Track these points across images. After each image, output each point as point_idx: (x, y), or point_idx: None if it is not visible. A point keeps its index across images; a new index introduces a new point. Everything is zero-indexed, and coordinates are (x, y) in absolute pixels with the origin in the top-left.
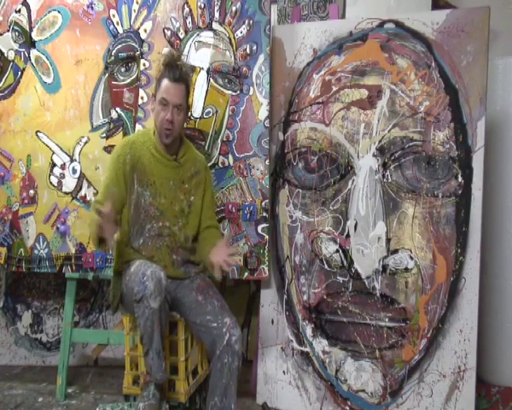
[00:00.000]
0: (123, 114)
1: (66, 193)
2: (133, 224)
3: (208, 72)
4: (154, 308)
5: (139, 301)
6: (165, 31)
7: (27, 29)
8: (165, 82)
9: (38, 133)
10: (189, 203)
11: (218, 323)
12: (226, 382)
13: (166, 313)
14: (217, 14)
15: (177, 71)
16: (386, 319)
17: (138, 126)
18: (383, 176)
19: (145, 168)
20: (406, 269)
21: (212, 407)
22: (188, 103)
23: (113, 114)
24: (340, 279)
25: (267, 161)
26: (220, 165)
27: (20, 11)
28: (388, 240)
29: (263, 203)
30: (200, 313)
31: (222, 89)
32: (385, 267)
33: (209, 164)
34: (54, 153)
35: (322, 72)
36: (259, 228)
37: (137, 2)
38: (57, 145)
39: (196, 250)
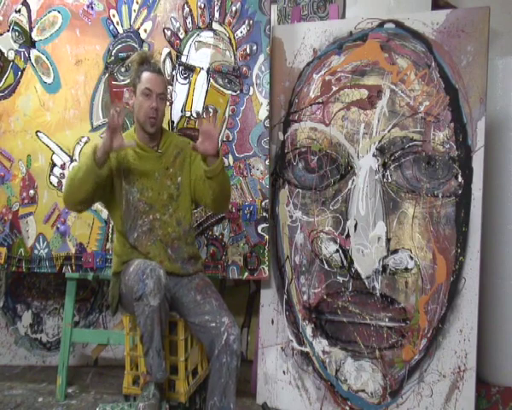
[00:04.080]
0: None
1: None
2: (126, 220)
3: (208, 72)
4: (153, 306)
5: (139, 299)
6: (165, 31)
7: (27, 29)
8: (147, 74)
9: (38, 133)
10: (177, 186)
11: (216, 323)
12: (225, 381)
13: (166, 311)
14: (217, 14)
15: (156, 65)
16: (386, 319)
17: None
18: (383, 176)
19: (130, 165)
20: (406, 269)
21: (212, 407)
22: (167, 97)
23: None
24: (340, 279)
25: (267, 161)
26: None
27: (20, 11)
28: (388, 240)
29: (263, 203)
30: (198, 313)
31: (222, 89)
32: (385, 267)
33: None
34: (54, 153)
35: (322, 72)
36: (259, 228)
37: (137, 3)
38: (57, 145)
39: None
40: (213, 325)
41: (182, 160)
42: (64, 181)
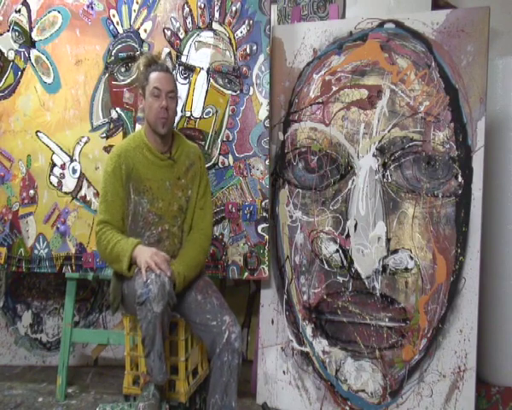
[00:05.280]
0: (123, 114)
1: (66, 193)
2: (131, 233)
3: (208, 72)
4: (156, 312)
5: (142, 303)
6: (165, 31)
7: (27, 29)
8: (155, 74)
9: (38, 133)
10: (187, 199)
11: (217, 321)
12: (226, 380)
13: (169, 316)
14: (217, 14)
15: (163, 64)
16: (386, 319)
17: (138, 126)
18: (383, 176)
19: (140, 175)
20: (406, 269)
21: (213, 406)
22: (177, 96)
23: (113, 114)
24: (340, 279)
25: (267, 161)
26: (220, 165)
27: (20, 11)
28: (388, 240)
29: (263, 203)
30: (199, 313)
31: (222, 89)
32: (385, 267)
33: (209, 164)
34: (54, 153)
35: (323, 72)
36: (259, 228)
37: (137, 3)
38: (57, 145)
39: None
40: (214, 323)
41: (193, 174)
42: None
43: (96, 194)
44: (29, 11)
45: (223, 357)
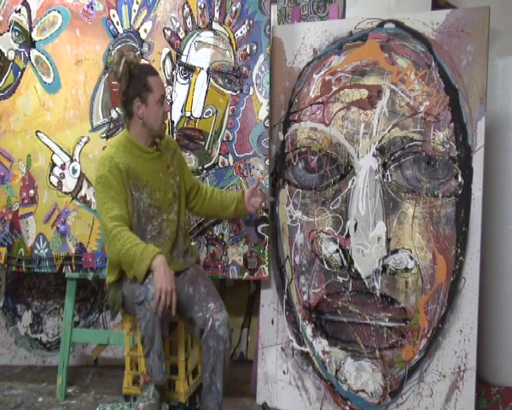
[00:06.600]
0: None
1: (66, 193)
2: (135, 231)
3: (208, 72)
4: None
5: (141, 303)
6: (165, 31)
7: (27, 29)
8: (153, 78)
9: (38, 133)
10: (178, 185)
11: (202, 311)
12: (213, 362)
13: (168, 316)
14: (217, 14)
15: (151, 66)
16: (386, 319)
17: None
18: (383, 176)
19: (136, 171)
20: (406, 269)
21: (204, 382)
22: None
23: (113, 114)
24: (340, 279)
25: (267, 161)
26: (220, 165)
27: (20, 11)
28: (388, 240)
29: (263, 203)
30: (189, 309)
31: (222, 89)
32: (385, 267)
33: (209, 164)
34: (54, 153)
35: (323, 72)
36: (259, 228)
37: (137, 3)
38: (57, 145)
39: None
40: (200, 314)
41: (177, 161)
42: (110, 237)
43: None
44: (29, 11)
45: (208, 343)
